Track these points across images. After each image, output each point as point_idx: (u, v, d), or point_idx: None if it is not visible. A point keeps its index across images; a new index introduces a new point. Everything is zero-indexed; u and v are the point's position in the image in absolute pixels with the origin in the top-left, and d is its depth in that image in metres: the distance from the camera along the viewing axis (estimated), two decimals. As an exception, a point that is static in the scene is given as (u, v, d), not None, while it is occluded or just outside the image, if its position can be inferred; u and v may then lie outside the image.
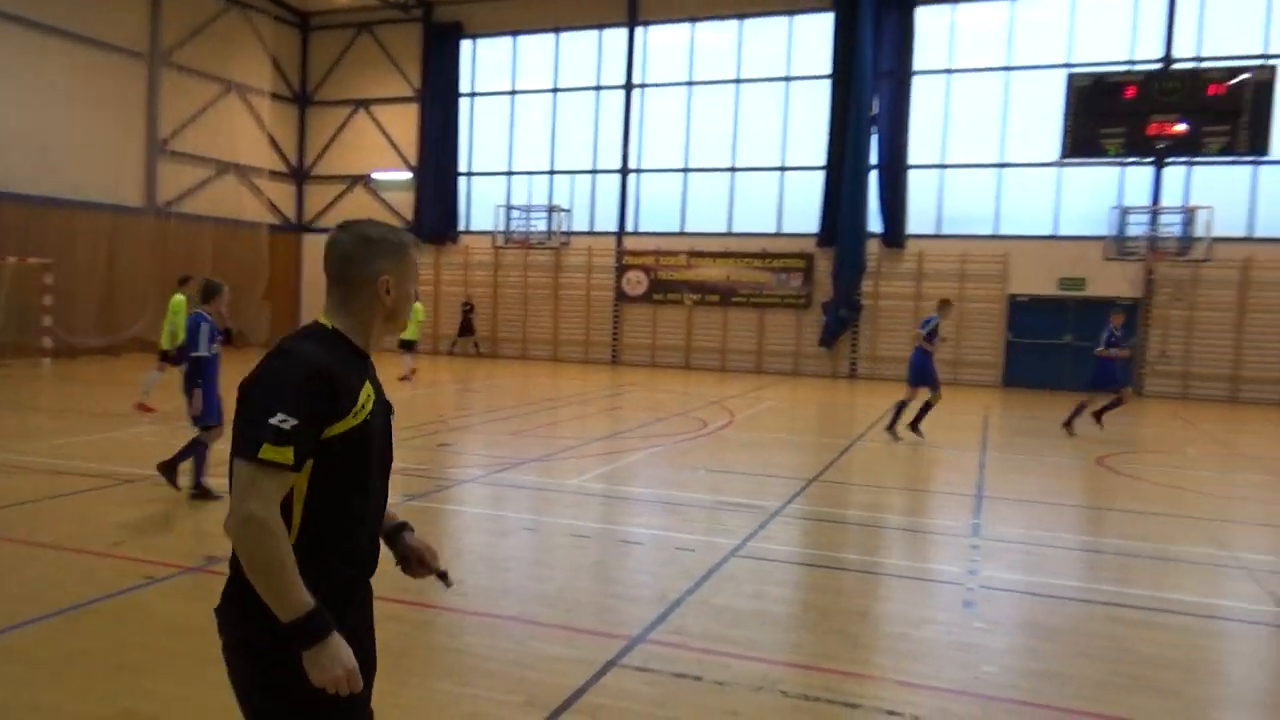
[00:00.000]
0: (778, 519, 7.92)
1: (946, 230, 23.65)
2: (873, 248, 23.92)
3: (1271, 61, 20.57)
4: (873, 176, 23.65)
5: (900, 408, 12.83)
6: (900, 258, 23.94)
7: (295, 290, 29.94)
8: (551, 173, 27.27)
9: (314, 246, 29.88)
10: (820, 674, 4.59)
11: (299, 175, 30.00)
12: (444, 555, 6.53)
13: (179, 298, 12.94)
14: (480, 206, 27.93)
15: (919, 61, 23.50)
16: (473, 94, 28.02)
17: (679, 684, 4.41)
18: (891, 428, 12.79)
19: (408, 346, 18.49)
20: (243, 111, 26.87)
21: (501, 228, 26.68)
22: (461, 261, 28.12)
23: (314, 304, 29.96)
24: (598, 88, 26.63)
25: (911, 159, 23.56)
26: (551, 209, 26.50)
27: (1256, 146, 20.24)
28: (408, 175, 28.51)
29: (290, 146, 29.67)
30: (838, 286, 23.90)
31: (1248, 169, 21.18)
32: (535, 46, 27.35)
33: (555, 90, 27.07)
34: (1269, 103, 20.05)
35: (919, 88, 23.56)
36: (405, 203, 28.70)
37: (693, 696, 4.29)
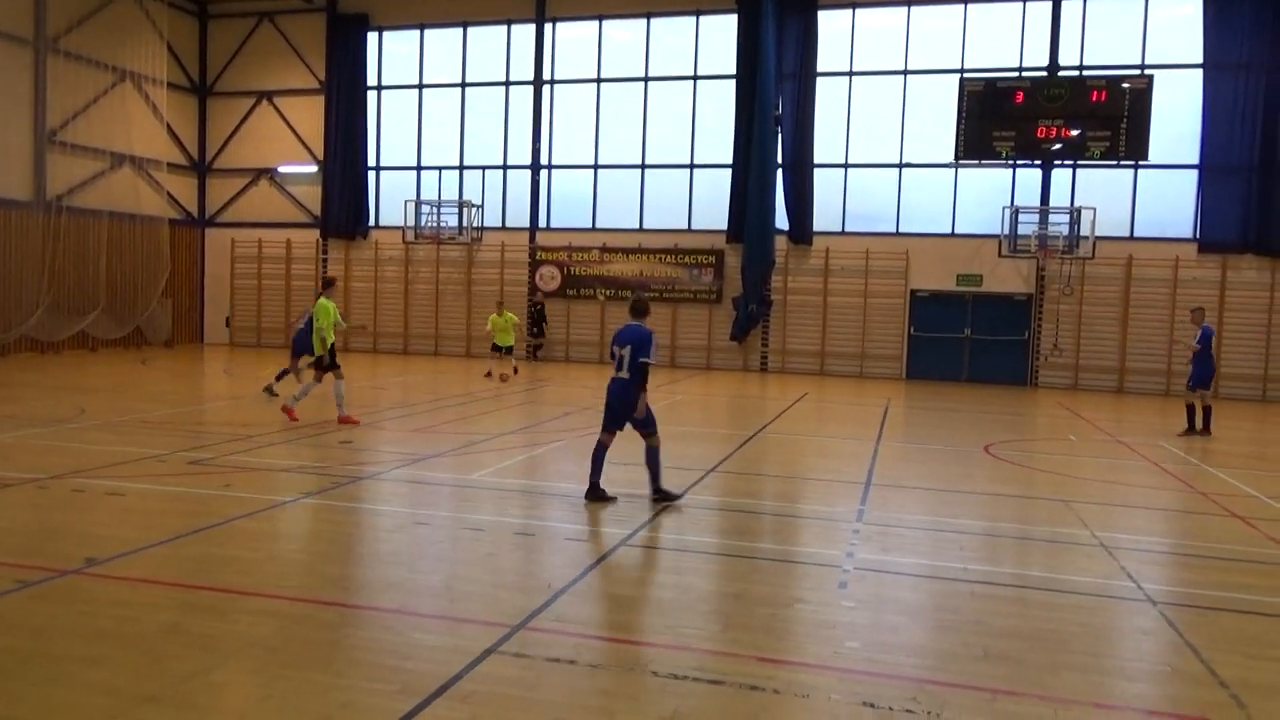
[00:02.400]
0: (671, 508, 8.12)
1: (850, 228, 24.30)
2: (781, 244, 24.43)
3: (1149, 71, 21.71)
4: (779, 175, 24.15)
5: None
6: (807, 254, 24.51)
7: (197, 286, 29.10)
8: (462, 168, 27.08)
9: (217, 241, 29.07)
10: (690, 654, 4.77)
11: (200, 168, 29.13)
12: (332, 552, 6.55)
13: (325, 302, 12.59)
14: (390, 201, 27.58)
15: (822, 63, 24.07)
16: (380, 87, 27.63)
17: (552, 668, 4.55)
18: None
19: (505, 350, 19.65)
20: (138, 102, 25.96)
21: (412, 223, 26.39)
22: (371, 257, 27.72)
23: (218, 299, 29.17)
24: (507, 83, 26.55)
25: (816, 158, 24.13)
26: (462, 204, 26.34)
27: (1136, 151, 21.35)
28: (314, 169, 27.96)
29: (190, 138, 28.79)
30: (747, 282, 24.33)
31: (1128, 172, 22.31)
32: (443, 40, 27.11)
33: (464, 85, 26.88)
34: (1146, 110, 21.17)
35: (822, 88, 24.14)
36: (312, 197, 28.15)
37: (565, 680, 4.43)
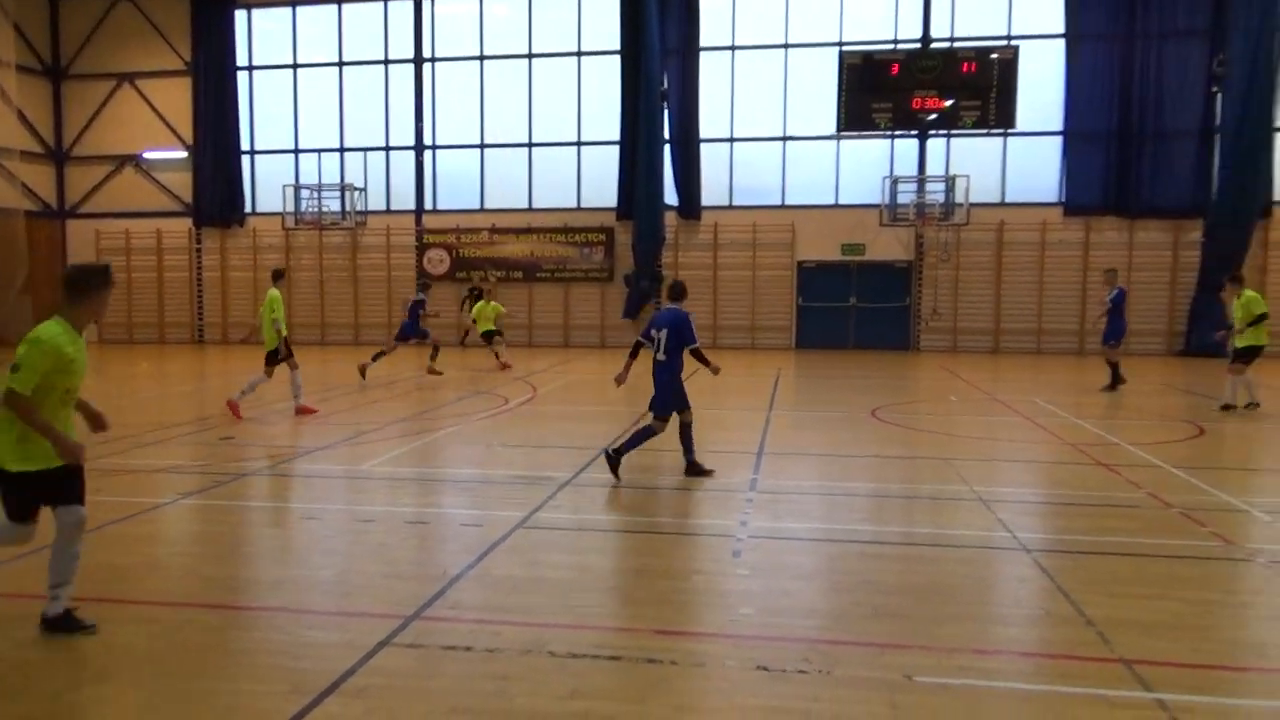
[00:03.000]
0: (567, 489, 8.11)
1: (738, 202, 24.62)
2: (670, 220, 24.58)
3: (1015, 42, 22.62)
4: (667, 150, 24.24)
5: None
6: (696, 229, 24.73)
7: (60, 282, 27.37)
8: (342, 150, 26.27)
9: (80, 233, 27.45)
10: (588, 631, 4.78)
11: (58, 156, 27.41)
12: (216, 553, 6.30)
13: (275, 293, 12.41)
14: (267, 187, 26.57)
15: (704, 38, 24.22)
16: (251, 67, 26.49)
17: (448, 655, 4.49)
18: None
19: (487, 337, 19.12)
20: (-17, 86, 24.24)
21: (291, 208, 25.47)
22: (249, 245, 26.67)
23: (83, 296, 27.55)
24: (386, 61, 25.83)
25: (702, 133, 24.32)
26: (344, 188, 25.57)
27: (1005, 120, 22.26)
28: (183, 154, 26.66)
29: (45, 124, 27.06)
30: (638, 258, 24.42)
31: (998, 141, 23.26)
32: (317, 18, 26.15)
33: (341, 64, 26.02)
34: (1013, 80, 22.07)
35: (706, 64, 24.31)
36: (183, 184, 26.87)
37: (461, 666, 4.38)
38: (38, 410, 4.56)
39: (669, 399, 8.51)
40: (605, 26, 24.58)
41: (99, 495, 7.78)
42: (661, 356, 8.46)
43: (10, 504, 4.75)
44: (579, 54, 24.98)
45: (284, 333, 12.50)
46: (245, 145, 26.56)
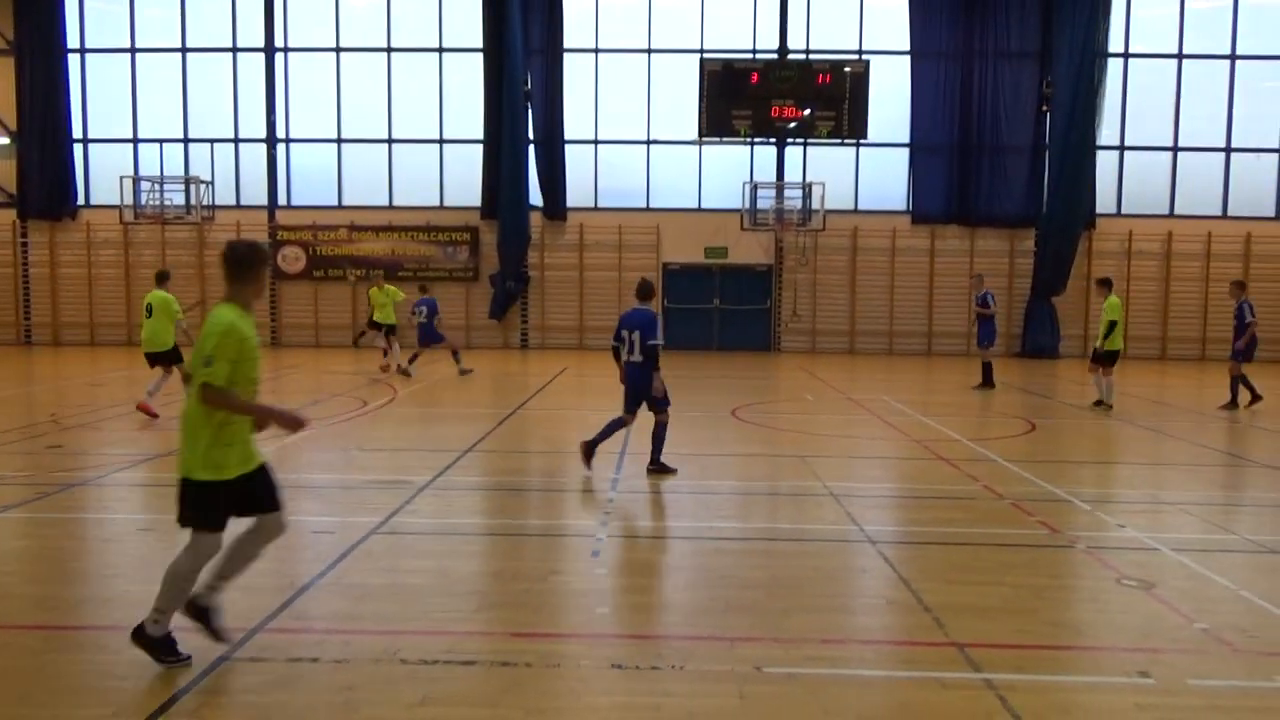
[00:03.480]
0: (426, 492, 7.94)
1: (603, 203, 24.73)
2: (536, 220, 24.46)
3: (866, 56, 23.62)
4: (531, 150, 24.11)
5: None
6: (562, 230, 24.70)
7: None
8: (186, 140, 24.89)
9: (-117, 224, 24.97)
10: (441, 637, 4.70)
11: None
12: (39, 571, 5.85)
13: (165, 295, 12.14)
14: (103, 178, 24.87)
15: (568, 39, 24.22)
16: (83, 50, 24.75)
17: (293, 668, 4.32)
18: None
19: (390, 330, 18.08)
20: None
21: (130, 201, 23.95)
22: (83, 239, 24.92)
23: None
24: (234, 49, 24.63)
25: (567, 134, 24.30)
26: (189, 180, 24.23)
27: (857, 131, 23.22)
28: (4, 141, 24.66)
29: None
30: (504, 258, 24.19)
31: (852, 150, 24.23)
32: (157, 1, 24.67)
33: (184, 50, 24.65)
34: (865, 93, 23.05)
35: (570, 65, 24.31)
36: (5, 172, 24.86)
37: (307, 678, 4.22)
38: (236, 393, 4.29)
39: (639, 396, 8.65)
40: (467, 23, 24.23)
41: (-99, 510, 7.12)
42: (636, 357, 8.54)
43: (200, 514, 4.44)
44: (440, 50, 24.54)
45: (185, 328, 12.34)
46: (77, 133, 24.80)
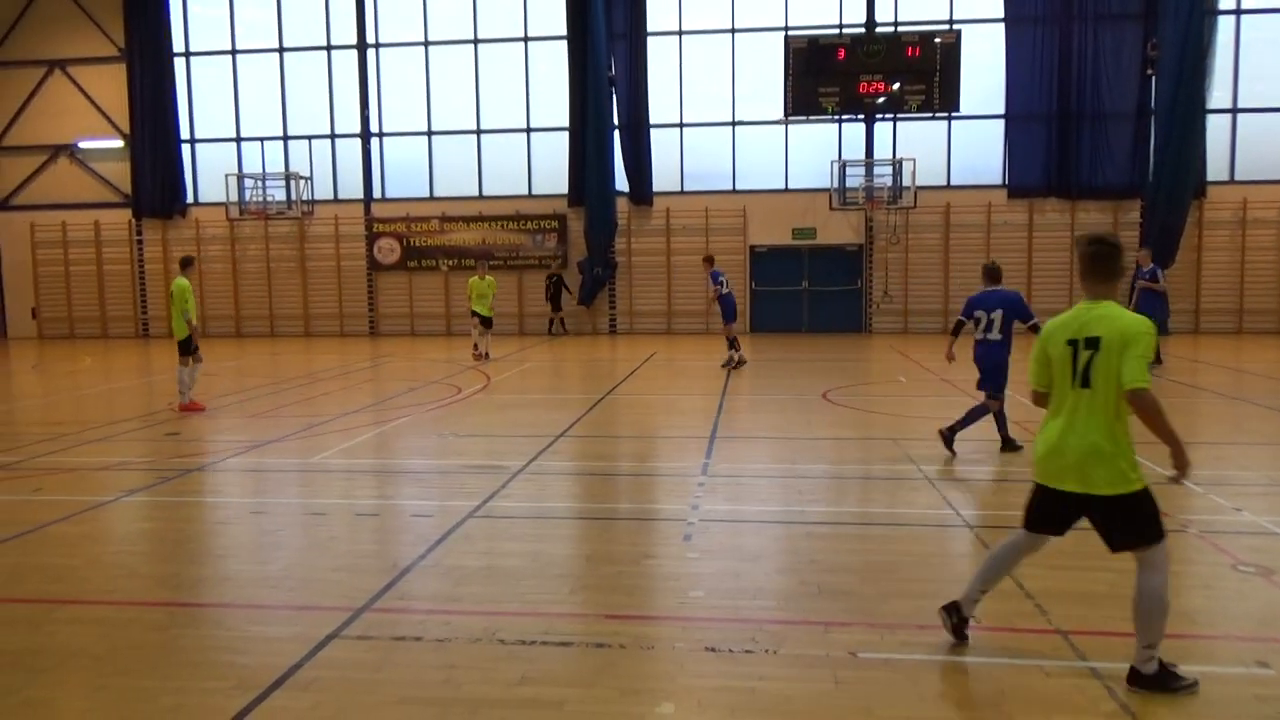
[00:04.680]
0: (519, 477, 8.11)
1: (689, 187, 24.65)
2: (622, 206, 24.55)
3: (957, 26, 22.89)
4: (616, 136, 24.18)
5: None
6: (649, 215, 24.73)
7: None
8: (286, 138, 25.78)
9: (14, 227, 26.64)
10: (538, 618, 4.81)
11: (-12, 147, 26.56)
12: (160, 550, 6.21)
13: (183, 282, 12.19)
14: (209, 176, 25.98)
15: (651, 23, 24.14)
16: (188, 54, 25.85)
17: (398, 647, 4.49)
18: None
19: (486, 323, 18.21)
20: (-94, 74, 23.35)
21: (235, 198, 24.97)
22: (193, 236, 26.10)
23: (19, 289, 26.81)
24: (329, 47, 25.36)
25: (652, 118, 24.28)
26: (289, 177, 25.12)
27: (949, 104, 22.53)
28: (120, 143, 25.98)
29: (-27, 115, 26.17)
30: (591, 245, 24.37)
31: (943, 124, 23.55)
32: (255, 3, 25.58)
33: (281, 50, 25.50)
34: (957, 64, 22.34)
35: (653, 48, 24.25)
36: (120, 174, 26.20)
37: (411, 657, 4.38)
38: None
39: (1003, 378, 8.80)
40: (551, 11, 24.40)
41: (41, 495, 7.64)
42: (996, 336, 8.70)
43: (1159, 522, 4.10)
44: (525, 39, 24.78)
45: (194, 322, 12.30)
46: (185, 134, 25.96)
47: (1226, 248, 23.00)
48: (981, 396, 9.02)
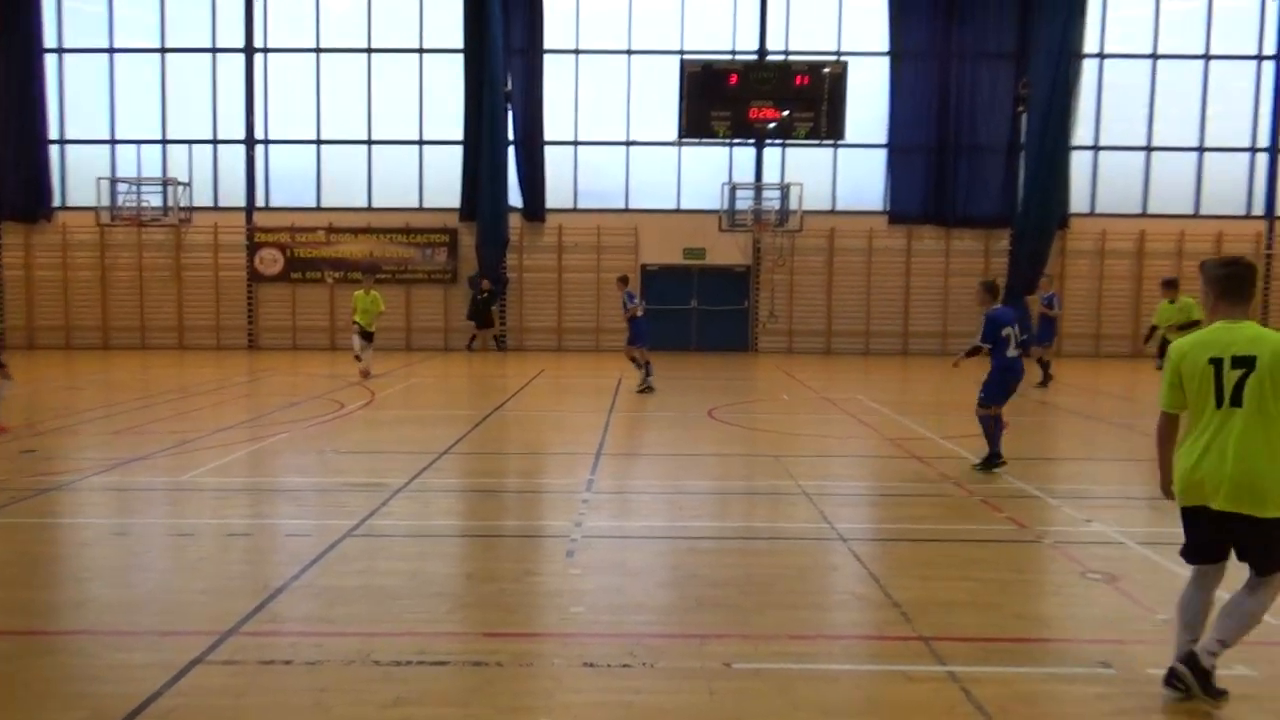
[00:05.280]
0: (401, 495, 7.97)
1: (583, 204, 24.76)
2: (515, 221, 24.47)
3: (845, 58, 23.76)
4: (511, 152, 24.11)
5: None
6: (541, 231, 24.71)
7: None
8: (164, 142, 24.72)
9: None
10: (414, 638, 4.74)
11: None
12: (11, 575, 5.84)
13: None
14: (79, 179, 24.62)
15: (549, 40, 24.22)
16: (60, 49, 24.54)
17: (266, 671, 4.35)
18: None
19: (366, 336, 17.12)
20: None
21: (107, 203, 23.75)
22: (59, 242, 24.70)
23: None
24: (214, 50, 24.49)
25: (547, 135, 24.32)
26: (167, 182, 24.08)
27: (835, 132, 23.34)
28: (-22, 142, 24.40)
29: None
30: (483, 260, 24.17)
31: (829, 151, 24.37)
32: (135, 1, 24.51)
33: (163, 50, 24.48)
34: (843, 94, 23.16)
35: (550, 66, 24.32)
36: (-22, 174, 24.57)
37: (280, 681, 4.26)
38: None
39: (1008, 391, 8.97)
40: (448, 24, 24.20)
41: (-128, 517, 7.08)
42: (1014, 352, 8.81)
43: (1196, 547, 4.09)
44: (420, 51, 24.50)
45: None
46: (53, 133, 24.58)
47: (1087, 276, 24.49)
48: (978, 409, 9.17)
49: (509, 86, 23.94)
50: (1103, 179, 24.56)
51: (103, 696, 4.09)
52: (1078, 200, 24.36)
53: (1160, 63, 24.20)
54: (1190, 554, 4.17)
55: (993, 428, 8.97)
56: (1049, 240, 23.77)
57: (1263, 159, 24.39)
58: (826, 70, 23.33)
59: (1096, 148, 24.41)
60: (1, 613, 5.23)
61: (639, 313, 15.69)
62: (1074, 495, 8.17)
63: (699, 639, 4.79)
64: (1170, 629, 4.33)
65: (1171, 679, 4.10)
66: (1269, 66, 24.18)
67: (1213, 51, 24.11)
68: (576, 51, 24.43)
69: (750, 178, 24.49)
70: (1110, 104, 24.36)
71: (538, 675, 4.37)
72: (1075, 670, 4.49)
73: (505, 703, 4.09)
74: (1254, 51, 24.19)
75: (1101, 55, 24.22)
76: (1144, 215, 24.44)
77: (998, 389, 9.03)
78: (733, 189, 23.92)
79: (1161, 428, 4.23)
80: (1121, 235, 24.33)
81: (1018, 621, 5.18)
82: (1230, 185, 24.45)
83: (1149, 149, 24.35)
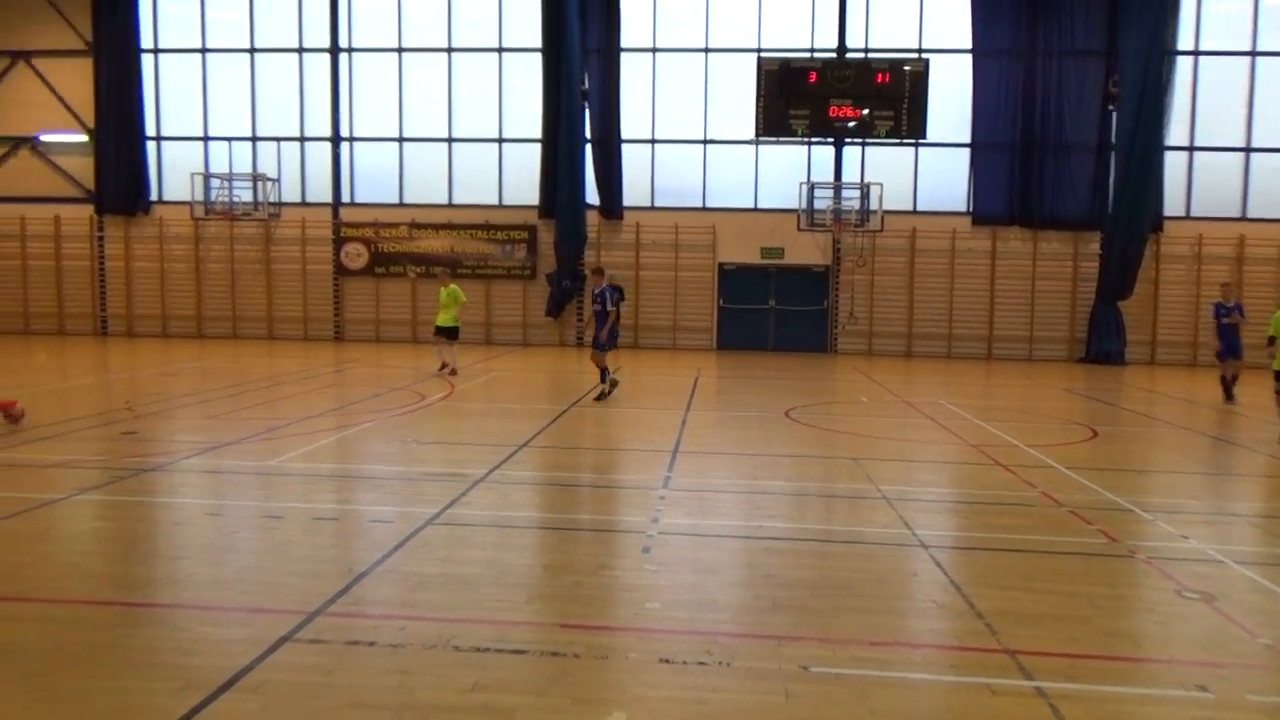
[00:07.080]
0: (480, 485, 8.08)
1: (659, 203, 24.78)
2: (592, 219, 24.62)
3: (926, 55, 23.29)
4: (588, 150, 24.27)
5: None
6: (619, 229, 24.82)
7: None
8: (254, 139, 25.57)
9: (-30, 218, 26.10)
10: (492, 626, 4.80)
11: (-53, 136, 26.04)
12: (111, 550, 6.11)
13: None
14: (175, 174, 25.66)
15: (626, 39, 24.31)
16: (157, 50, 25.57)
17: (350, 651, 4.45)
18: None
19: (449, 334, 17.07)
20: None
21: (200, 197, 24.68)
22: (156, 234, 25.76)
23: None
24: (300, 50, 25.22)
25: (624, 133, 24.41)
26: (257, 178, 24.89)
27: (916, 131, 22.89)
28: (83, 138, 25.60)
29: (-68, 102, 25.66)
30: (560, 257, 24.39)
31: (910, 150, 23.92)
32: (227, 3, 25.39)
33: (252, 50, 25.32)
34: (925, 92, 22.71)
35: (627, 65, 24.40)
36: (83, 169, 25.80)
37: (363, 662, 4.35)
38: None
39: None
40: (526, 23, 24.48)
41: (-14, 491, 7.47)
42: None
43: None
44: (500, 50, 24.83)
45: None
46: (151, 130, 25.64)
47: (1182, 281, 23.56)
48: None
49: (586, 85, 24.09)
50: (1199, 181, 23.57)
51: (196, 668, 4.24)
52: (1172, 203, 23.44)
53: (1259, 60, 23.12)
54: None
55: None
56: (1141, 243, 22.91)
57: (1376, 161, 23.10)
58: (907, 68, 22.89)
59: (1192, 148, 23.45)
60: (102, 585, 5.47)
61: (608, 308, 14.07)
62: (1169, 510, 7.85)
63: (776, 640, 4.74)
64: (1257, 649, 4.12)
65: None
66: (1386, 63, 22.88)
67: (1321, 48, 22.95)
68: (654, 50, 24.46)
69: (829, 176, 24.20)
70: (1206, 103, 23.37)
71: (613, 668, 4.38)
72: (1170, 692, 4.31)
73: (581, 694, 4.11)
74: (1369, 47, 22.93)
75: (1196, 52, 23.25)
76: (1243, 219, 23.39)
77: None
78: (811, 188, 23.66)
79: None
80: (1219, 239, 23.33)
81: (1108, 639, 4.99)
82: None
83: (1248, 149, 23.29)
